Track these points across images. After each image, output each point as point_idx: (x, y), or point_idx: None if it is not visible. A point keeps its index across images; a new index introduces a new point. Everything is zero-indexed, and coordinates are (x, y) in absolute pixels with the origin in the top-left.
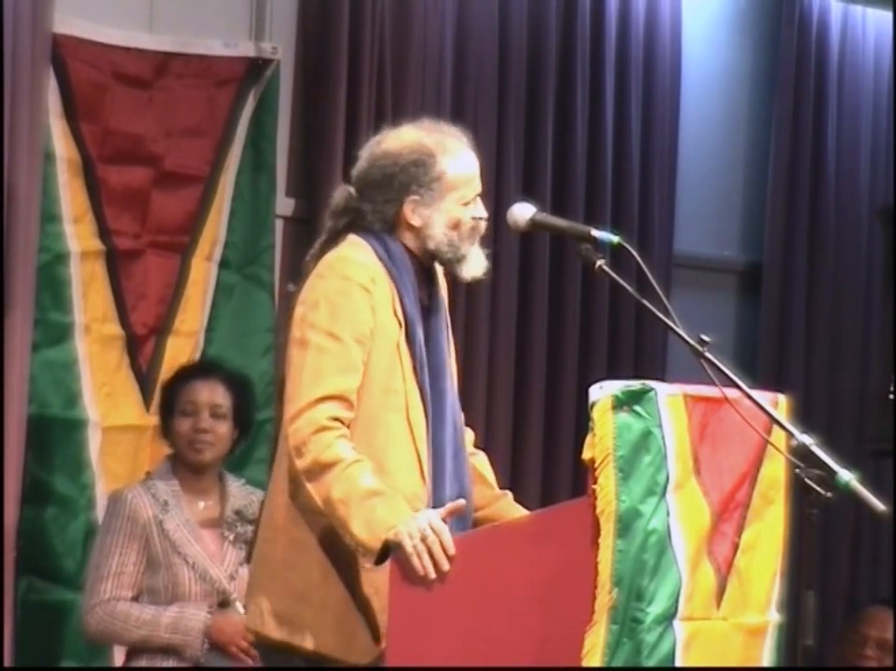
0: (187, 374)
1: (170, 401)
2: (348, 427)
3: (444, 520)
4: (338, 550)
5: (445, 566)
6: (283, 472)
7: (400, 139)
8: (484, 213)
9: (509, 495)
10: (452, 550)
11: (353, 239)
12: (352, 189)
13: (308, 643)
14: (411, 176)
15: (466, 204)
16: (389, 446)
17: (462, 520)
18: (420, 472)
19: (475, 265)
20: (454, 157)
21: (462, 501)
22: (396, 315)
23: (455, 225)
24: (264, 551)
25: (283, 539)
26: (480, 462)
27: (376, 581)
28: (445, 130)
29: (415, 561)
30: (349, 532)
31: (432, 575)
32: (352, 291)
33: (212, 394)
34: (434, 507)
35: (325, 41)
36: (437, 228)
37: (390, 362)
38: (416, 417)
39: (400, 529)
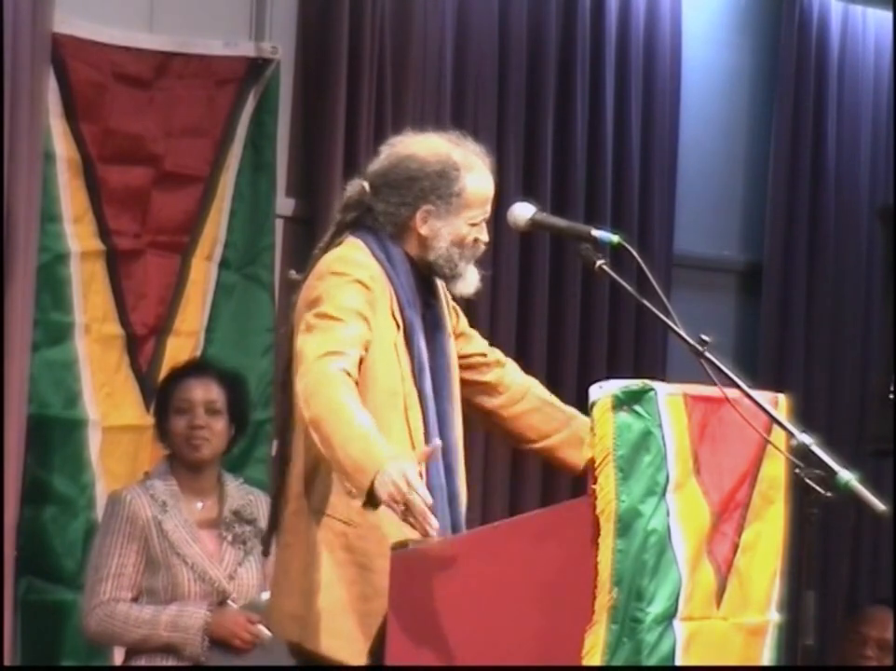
0: (180, 374)
1: (165, 402)
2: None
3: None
4: (344, 550)
5: (433, 523)
6: (298, 475)
7: (428, 146)
8: (486, 238)
9: (577, 415)
10: (430, 500)
11: (351, 241)
12: (366, 184)
13: (314, 645)
14: (433, 185)
15: (474, 224)
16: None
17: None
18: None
19: (469, 283)
20: (477, 176)
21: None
22: (394, 316)
23: (459, 243)
24: (283, 556)
25: (300, 544)
26: (537, 387)
27: (375, 582)
28: (471, 147)
29: (402, 517)
30: (344, 474)
31: (425, 532)
32: (351, 285)
33: (206, 391)
34: (450, 503)
35: (325, 41)
36: (442, 242)
37: (389, 362)
38: (415, 419)
39: (379, 491)
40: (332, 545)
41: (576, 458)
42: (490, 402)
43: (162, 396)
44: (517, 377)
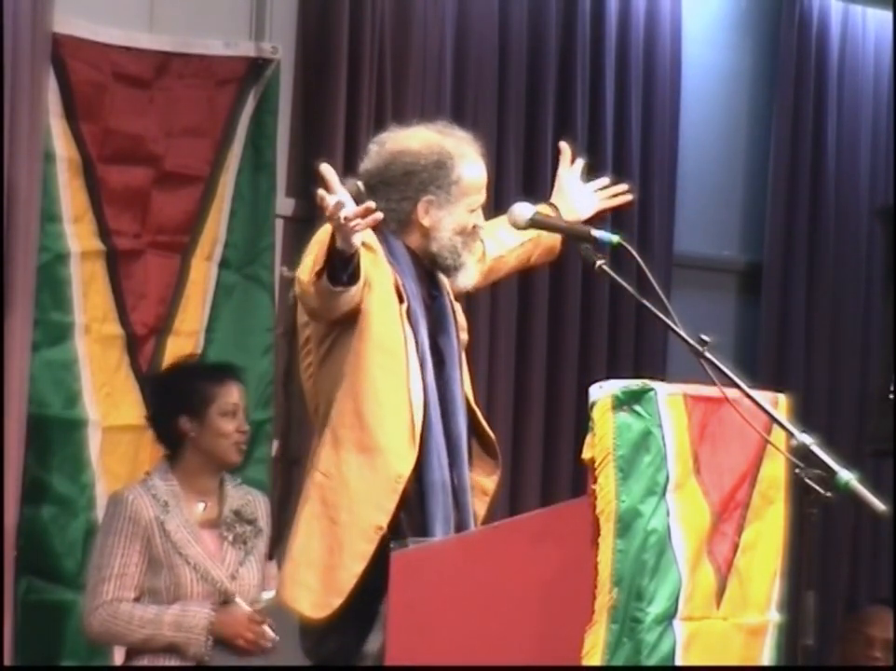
0: (211, 373)
1: (191, 400)
2: None
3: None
4: (321, 503)
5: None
6: (317, 456)
7: (419, 139)
8: (483, 223)
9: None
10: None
11: None
12: (360, 184)
13: (282, 594)
14: (431, 177)
15: (472, 211)
16: (378, 406)
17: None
18: (412, 438)
19: (470, 275)
20: (471, 163)
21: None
22: (397, 289)
23: (461, 231)
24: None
25: (301, 499)
26: (502, 237)
27: (339, 535)
28: (459, 135)
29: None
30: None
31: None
32: None
33: (242, 395)
34: (455, 497)
35: (325, 41)
36: (445, 231)
37: (390, 324)
38: (416, 388)
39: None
40: (312, 498)
41: (549, 257)
42: (488, 281)
43: (182, 393)
44: (493, 253)
